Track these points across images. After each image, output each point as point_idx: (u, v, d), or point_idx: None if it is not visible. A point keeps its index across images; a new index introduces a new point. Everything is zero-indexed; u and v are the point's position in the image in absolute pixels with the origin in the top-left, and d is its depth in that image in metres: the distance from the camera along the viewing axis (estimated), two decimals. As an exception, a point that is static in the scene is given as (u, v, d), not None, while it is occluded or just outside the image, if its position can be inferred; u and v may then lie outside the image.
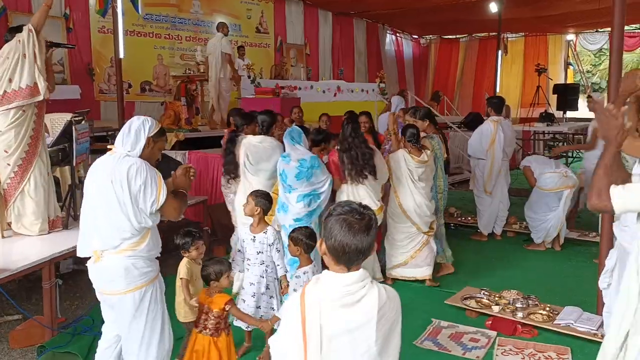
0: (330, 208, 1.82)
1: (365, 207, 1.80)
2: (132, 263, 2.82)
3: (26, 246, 4.12)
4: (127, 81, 10.73)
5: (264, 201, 3.81)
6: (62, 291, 4.37)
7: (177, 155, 7.25)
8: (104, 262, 2.84)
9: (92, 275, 2.94)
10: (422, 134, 5.33)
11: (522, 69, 19.12)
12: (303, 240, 3.56)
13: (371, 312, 1.72)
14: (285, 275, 3.75)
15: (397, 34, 19.03)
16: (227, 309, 3.23)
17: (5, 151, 4.15)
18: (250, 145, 4.77)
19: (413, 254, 5.13)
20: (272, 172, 4.70)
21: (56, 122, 5.13)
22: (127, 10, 8.99)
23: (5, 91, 4.08)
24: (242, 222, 4.34)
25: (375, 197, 4.83)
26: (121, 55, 7.28)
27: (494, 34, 15.86)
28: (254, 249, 3.74)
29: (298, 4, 15.18)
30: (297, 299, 1.76)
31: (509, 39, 18.95)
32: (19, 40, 4.10)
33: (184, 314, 3.55)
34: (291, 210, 4.41)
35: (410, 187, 5.06)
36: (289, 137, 4.53)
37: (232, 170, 4.86)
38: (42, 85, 4.14)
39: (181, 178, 3.01)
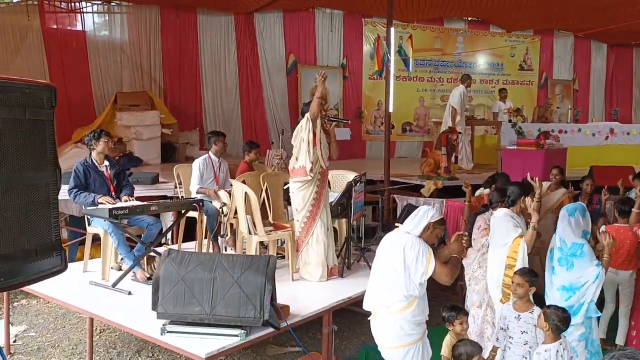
0: (613, 355, 1.81)
1: (655, 362, 1.75)
2: (400, 325, 3.28)
3: (309, 292, 4.84)
4: (391, 122, 11.56)
5: (532, 279, 3.81)
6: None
7: (435, 203, 7.49)
8: (378, 318, 3.38)
9: (372, 328, 3.47)
10: None
11: None
12: (554, 321, 3.38)
13: None
14: None
15: (690, 63, 16.41)
16: None
17: (296, 209, 5.03)
18: (493, 217, 4.53)
19: None
20: (500, 245, 4.32)
21: (337, 178, 5.90)
22: (396, 60, 9.70)
23: (293, 167, 4.96)
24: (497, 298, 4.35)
25: None
26: (390, 110, 7.87)
27: None
28: (518, 327, 3.73)
29: (567, 37, 14.31)
30: None
31: None
32: (301, 125, 4.89)
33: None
34: (551, 298, 4.12)
35: None
36: (565, 210, 4.21)
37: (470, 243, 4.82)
38: (308, 168, 4.85)
39: (455, 244, 3.45)
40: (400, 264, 3.22)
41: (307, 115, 4.91)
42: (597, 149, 10.72)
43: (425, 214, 3.36)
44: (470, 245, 4.58)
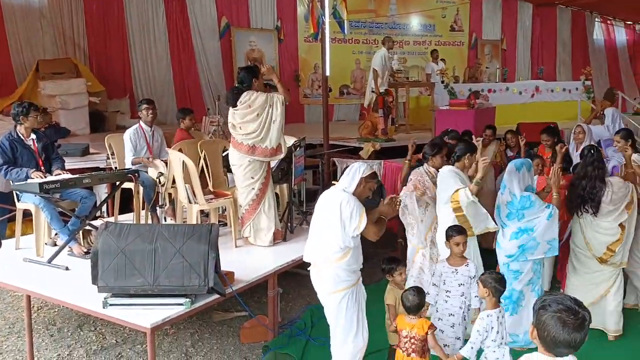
0: (545, 300, 1.95)
1: (580, 304, 1.91)
2: (337, 273, 3.55)
3: (253, 257, 4.87)
4: (328, 86, 11.54)
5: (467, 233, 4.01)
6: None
7: (374, 165, 7.63)
8: (317, 268, 3.65)
9: (312, 277, 3.71)
10: None
11: None
12: (492, 284, 3.52)
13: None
14: (480, 308, 3.86)
15: (608, 22, 17.28)
16: (429, 333, 3.53)
17: (252, 177, 4.95)
18: (439, 175, 4.65)
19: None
20: (445, 201, 4.46)
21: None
22: (331, 22, 9.62)
23: (255, 145, 4.85)
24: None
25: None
26: (327, 73, 7.84)
27: None
28: (455, 281, 3.92)
29: (497, -2, 14.68)
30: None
31: None
32: (271, 105, 4.82)
33: (389, 337, 3.91)
34: (503, 247, 4.36)
35: None
36: (512, 165, 4.41)
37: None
38: (284, 146, 4.96)
39: (386, 207, 3.67)
40: (337, 219, 3.45)
41: (282, 100, 4.88)
42: (523, 106, 11.21)
43: (357, 170, 3.56)
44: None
